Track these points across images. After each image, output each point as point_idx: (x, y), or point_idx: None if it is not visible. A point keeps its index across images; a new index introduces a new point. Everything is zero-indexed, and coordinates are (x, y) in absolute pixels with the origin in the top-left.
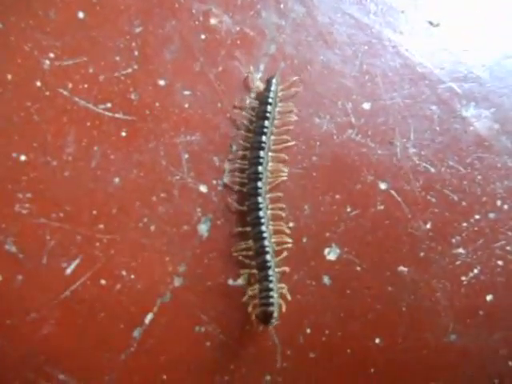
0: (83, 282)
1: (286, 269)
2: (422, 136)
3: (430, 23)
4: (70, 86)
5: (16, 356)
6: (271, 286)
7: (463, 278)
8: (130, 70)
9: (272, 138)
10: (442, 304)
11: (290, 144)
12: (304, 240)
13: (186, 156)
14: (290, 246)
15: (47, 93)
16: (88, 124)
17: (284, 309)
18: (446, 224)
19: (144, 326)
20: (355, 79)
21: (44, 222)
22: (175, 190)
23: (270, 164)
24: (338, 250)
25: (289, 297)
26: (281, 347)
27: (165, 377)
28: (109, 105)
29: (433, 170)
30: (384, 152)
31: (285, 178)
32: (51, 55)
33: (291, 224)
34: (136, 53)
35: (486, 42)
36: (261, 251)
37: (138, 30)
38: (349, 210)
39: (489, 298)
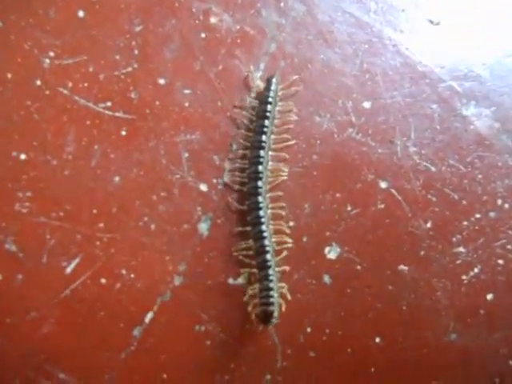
0: (83, 281)
1: (286, 268)
2: (422, 135)
3: (431, 22)
4: (70, 84)
5: (16, 355)
6: (271, 285)
7: (464, 277)
8: (130, 69)
9: (272, 137)
10: (443, 303)
11: (290, 143)
12: (304, 239)
13: (186, 155)
14: (290, 245)
15: (47, 92)
16: (88, 123)
17: (284, 308)
18: (447, 223)
19: (144, 324)
20: (355, 78)
21: (44, 221)
22: (175, 188)
23: (270, 163)
24: (338, 249)
25: (289, 296)
26: (281, 346)
27: (165, 376)
28: (109, 104)
29: (433, 168)
30: (384, 151)
31: (285, 178)
32: (51, 54)
33: (291, 223)
34: (136, 51)
35: (486, 41)
36: (261, 250)
37: (138, 28)
38: (349, 208)
39: (489, 297)
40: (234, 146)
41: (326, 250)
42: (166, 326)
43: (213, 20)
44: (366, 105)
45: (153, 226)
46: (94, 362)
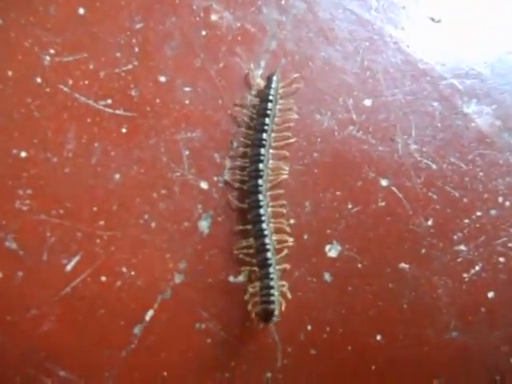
0: (83, 279)
1: (287, 266)
2: (423, 132)
3: (432, 19)
4: (71, 82)
5: (16, 352)
6: (272, 283)
7: (465, 275)
8: (130, 66)
9: (273, 135)
10: (444, 301)
11: (290, 141)
12: (305, 237)
13: (187, 152)
14: (290, 244)
15: (48, 89)
16: (88, 120)
17: (284, 307)
18: (448, 221)
19: (144, 322)
20: (356, 75)
21: (44, 219)
22: (176, 186)
23: (270, 161)
24: (338, 247)
25: (289, 295)
26: (281, 344)
27: (165, 373)
28: (109, 101)
29: (434, 166)
30: (385, 148)
31: (285, 177)
32: (52, 51)
33: (292, 221)
34: (136, 49)
35: (487, 39)
36: (261, 249)
37: (138, 26)
38: (350, 206)
39: (490, 294)
40: (235, 144)
41: (327, 247)
42: (167, 324)
43: (213, 17)
44: (367, 102)
45: (153, 224)
46: (94, 359)
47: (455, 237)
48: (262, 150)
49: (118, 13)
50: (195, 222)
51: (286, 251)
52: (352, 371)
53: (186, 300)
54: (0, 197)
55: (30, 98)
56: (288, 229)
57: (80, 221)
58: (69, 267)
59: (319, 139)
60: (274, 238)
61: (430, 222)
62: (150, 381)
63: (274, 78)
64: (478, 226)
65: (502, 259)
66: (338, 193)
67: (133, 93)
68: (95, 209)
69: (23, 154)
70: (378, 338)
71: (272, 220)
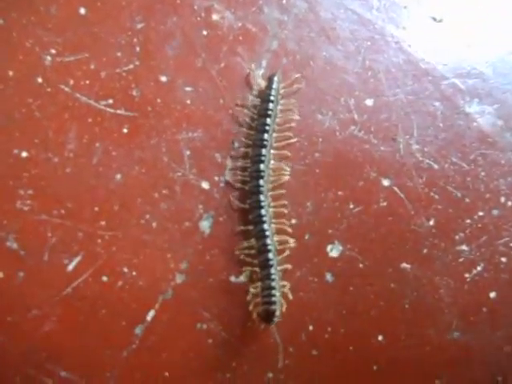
0: (85, 279)
1: (289, 266)
2: (425, 132)
3: (433, 19)
4: (72, 82)
5: (17, 353)
6: (273, 284)
7: (466, 275)
8: (131, 66)
9: (274, 135)
10: (445, 301)
11: (292, 141)
12: (306, 237)
13: (188, 152)
14: (292, 245)
15: (49, 89)
16: (89, 120)
17: (284, 308)
18: (450, 221)
19: (146, 322)
20: (358, 75)
21: (45, 219)
22: (177, 186)
23: (272, 162)
24: (340, 247)
25: (290, 296)
26: (283, 344)
27: (167, 374)
28: (110, 101)
29: (436, 166)
30: (387, 148)
31: (287, 178)
32: (53, 51)
33: (294, 221)
34: (138, 49)
35: (489, 38)
36: (263, 249)
37: (139, 25)
38: (351, 206)
39: (492, 295)
40: (236, 144)
41: (329, 247)
42: (168, 324)
43: (215, 17)
44: (369, 102)
45: (154, 224)
46: (95, 360)
47: (457, 237)
48: (263, 151)
49: (119, 13)
50: (196, 222)
51: (287, 252)
52: (353, 371)
53: (188, 300)
54: (1, 197)
55: (31, 98)
56: (289, 229)
57: (81, 221)
58: (70, 267)
59: (321, 139)
60: (276, 238)
61: (431, 222)
62: (151, 381)
63: (275, 78)
64: (479, 225)
65: (503, 259)
66: (339, 193)
67: (134, 93)
68: (96, 209)
69: (24, 154)
70: (380, 338)
71: (273, 220)
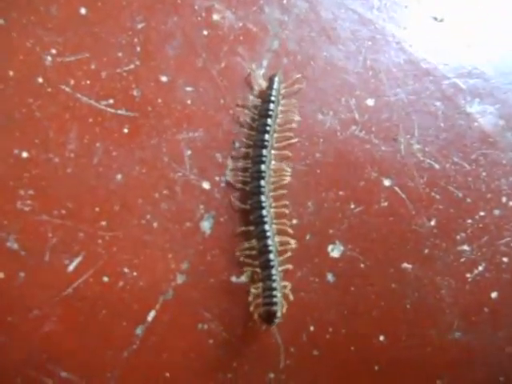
0: (85, 280)
1: (290, 266)
2: (426, 132)
3: (434, 18)
4: (72, 82)
5: (18, 353)
6: (274, 285)
7: (468, 275)
8: (132, 66)
9: (275, 135)
10: (447, 301)
11: (293, 141)
12: (307, 237)
13: (189, 152)
14: (293, 246)
15: (49, 89)
16: (90, 120)
17: (285, 309)
18: (451, 221)
19: (146, 323)
20: (359, 75)
21: (46, 219)
22: (178, 186)
23: (273, 162)
24: (341, 247)
25: (291, 297)
26: (284, 345)
27: (167, 374)
28: (111, 101)
29: (437, 166)
30: (388, 148)
31: (288, 179)
32: (53, 51)
33: (295, 221)
34: (138, 49)
35: (490, 38)
36: (264, 250)
37: (140, 25)
38: (352, 206)
39: (494, 295)
40: (237, 144)
41: (330, 248)
42: (169, 325)
43: (215, 17)
44: (370, 102)
45: (155, 224)
46: (96, 360)
47: (458, 237)
48: (264, 151)
49: (119, 13)
50: (197, 222)
51: (289, 253)
52: (355, 372)
53: (188, 300)
54: (1, 197)
55: (31, 98)
56: (290, 230)
57: (82, 221)
58: (71, 268)
59: (321, 139)
60: (277, 239)
61: (432, 222)
62: (152, 381)
63: (276, 78)
64: (481, 225)
65: (505, 259)
66: (340, 193)
67: (134, 93)
68: (97, 209)
69: (25, 155)
70: (381, 338)
71: (275, 221)
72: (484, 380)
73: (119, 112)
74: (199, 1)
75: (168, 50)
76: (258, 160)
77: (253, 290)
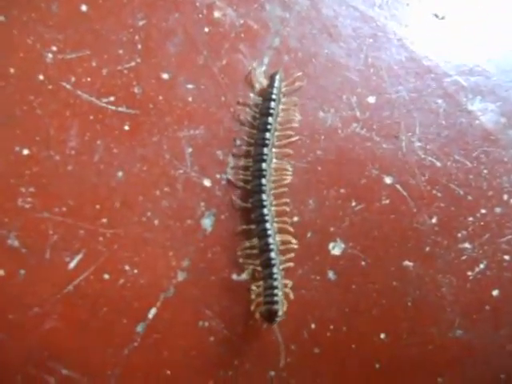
0: (86, 277)
1: (291, 264)
2: (427, 130)
3: (436, 16)
4: (73, 79)
5: (18, 351)
6: (276, 283)
7: (469, 273)
8: (133, 64)
9: (276, 133)
10: (448, 299)
11: (294, 139)
12: (308, 235)
13: (190, 150)
14: (294, 246)
15: (50, 86)
16: (91, 118)
17: (286, 308)
18: (452, 218)
19: (147, 320)
20: (360, 72)
21: (47, 217)
22: (179, 184)
23: (274, 161)
24: (342, 245)
25: (291, 295)
26: (285, 343)
27: (168, 372)
28: (112, 98)
29: (438, 164)
30: (389, 146)
31: (290, 178)
32: (54, 48)
33: (296, 219)
34: (139, 46)
35: (492, 35)
36: (265, 249)
37: (141, 23)
38: (354, 204)
39: (495, 293)
40: (238, 141)
41: (331, 245)
42: (170, 322)
43: (216, 14)
44: (371, 100)
45: (156, 222)
46: (97, 358)
47: (459, 235)
48: (265, 150)
49: (120, 10)
50: (198, 219)
51: (292, 254)
52: (356, 369)
53: (189, 298)
54: (2, 195)
55: (32, 96)
56: (291, 229)
57: (82, 218)
58: (71, 265)
59: (323, 137)
60: (278, 238)
61: (434, 220)
62: (153, 379)
63: (277, 76)
64: (482, 223)
65: (506, 257)
66: (341, 190)
67: (135, 90)
68: (98, 206)
69: (25, 152)
70: (382, 336)
71: (276, 219)
72: (485, 378)
73: (120, 109)
74: None
75: (169, 47)
76: (259, 158)
77: (254, 288)
